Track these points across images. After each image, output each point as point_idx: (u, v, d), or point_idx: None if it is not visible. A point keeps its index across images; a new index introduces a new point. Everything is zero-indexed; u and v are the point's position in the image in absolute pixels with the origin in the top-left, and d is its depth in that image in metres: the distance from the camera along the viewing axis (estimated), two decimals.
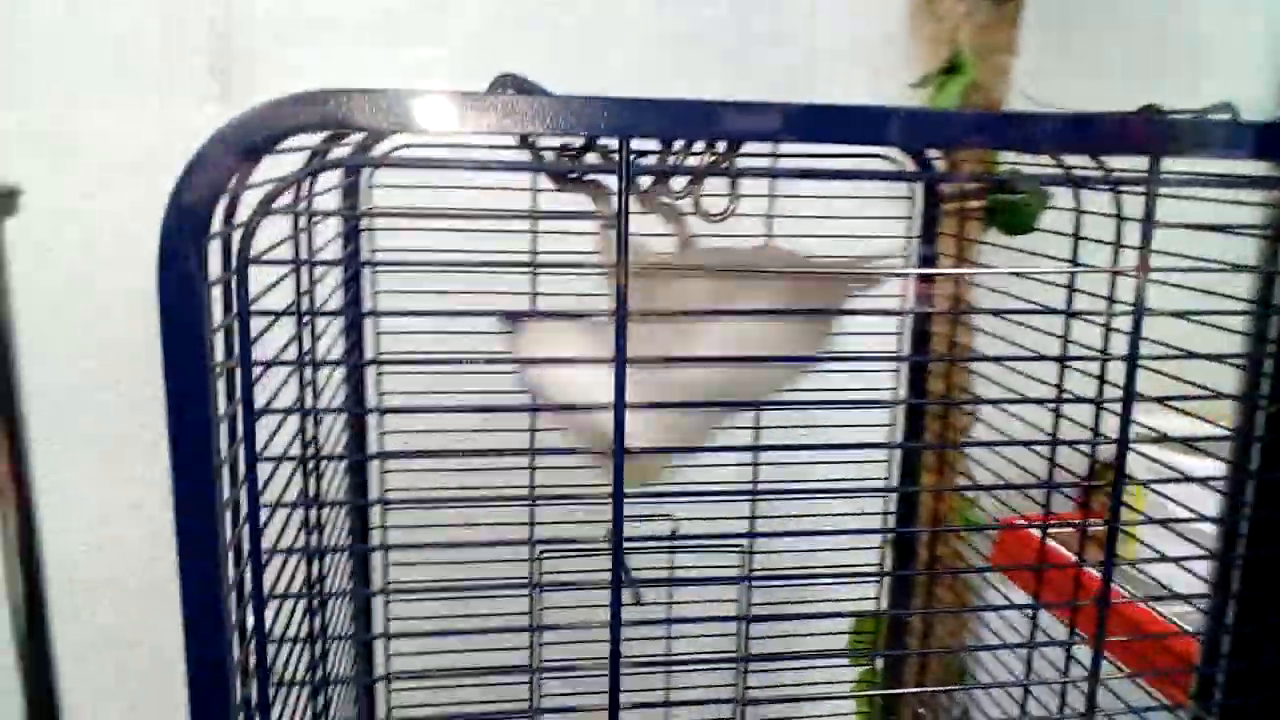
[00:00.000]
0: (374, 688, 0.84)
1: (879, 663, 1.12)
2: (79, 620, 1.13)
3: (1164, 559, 0.60)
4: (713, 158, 0.65)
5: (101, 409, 1.13)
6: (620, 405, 0.41)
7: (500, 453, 0.53)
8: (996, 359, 0.72)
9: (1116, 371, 0.54)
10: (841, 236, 0.88)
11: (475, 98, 0.38)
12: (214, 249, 0.41)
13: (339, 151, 0.63)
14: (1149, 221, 0.43)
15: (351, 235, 0.84)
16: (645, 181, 0.64)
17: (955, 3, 1.16)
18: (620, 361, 0.41)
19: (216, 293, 0.41)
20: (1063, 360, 0.64)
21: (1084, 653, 0.67)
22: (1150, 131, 0.41)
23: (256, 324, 0.50)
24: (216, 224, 0.40)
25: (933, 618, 1.13)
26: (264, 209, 0.39)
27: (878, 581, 1.03)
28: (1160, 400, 0.52)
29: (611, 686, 0.45)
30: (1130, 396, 0.46)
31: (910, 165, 0.92)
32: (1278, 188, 0.47)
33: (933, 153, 0.92)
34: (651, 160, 0.70)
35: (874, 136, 0.46)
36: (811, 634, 0.92)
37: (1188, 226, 0.47)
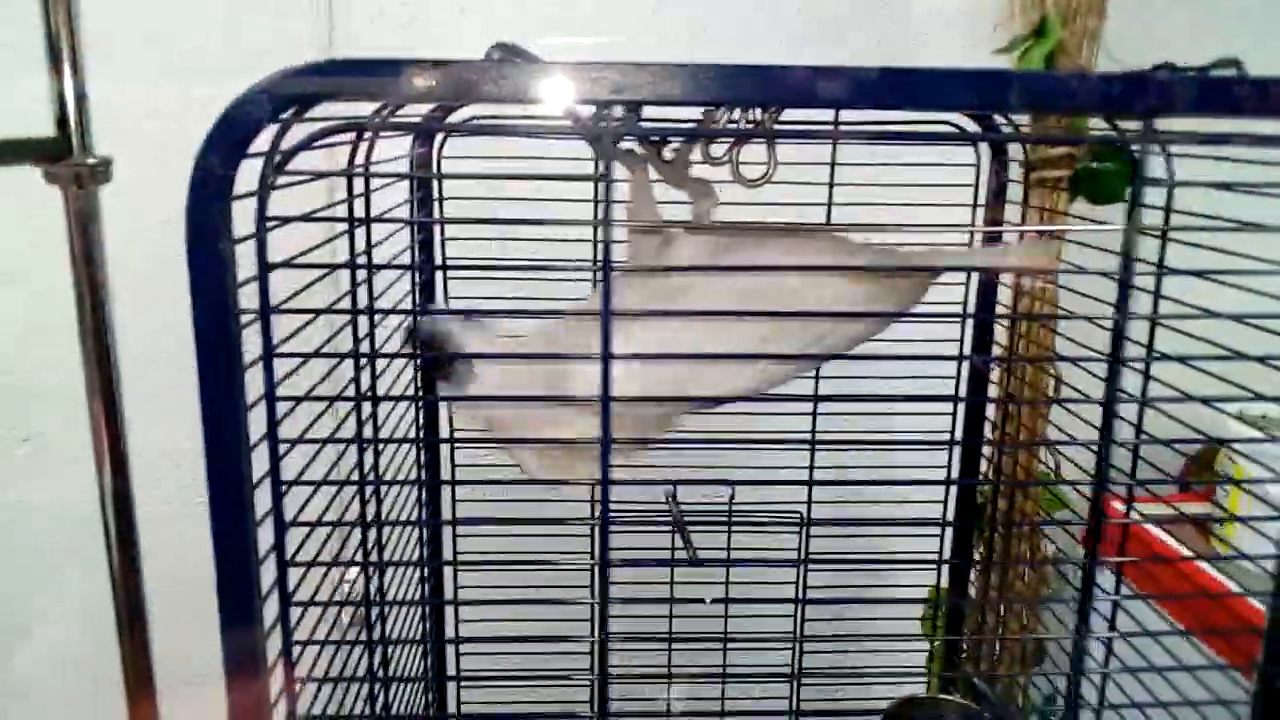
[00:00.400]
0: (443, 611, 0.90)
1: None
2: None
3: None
4: (750, 123, 0.66)
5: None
6: (606, 356, 0.44)
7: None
8: (1033, 317, 0.70)
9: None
10: (903, 204, 0.88)
11: (476, 65, 0.41)
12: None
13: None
14: (1141, 180, 0.43)
15: (425, 200, 0.89)
16: (669, 153, 0.65)
17: None
18: (605, 316, 0.43)
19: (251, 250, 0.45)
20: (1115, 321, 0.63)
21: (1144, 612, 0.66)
22: (1138, 91, 0.41)
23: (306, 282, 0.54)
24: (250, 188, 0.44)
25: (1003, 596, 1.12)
26: (278, 169, 0.42)
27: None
28: (1181, 360, 0.52)
29: (600, 659, 0.48)
30: (1131, 355, 0.46)
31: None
32: None
33: (1000, 120, 0.91)
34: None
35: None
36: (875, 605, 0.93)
37: (1190, 185, 0.46)
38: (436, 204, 0.90)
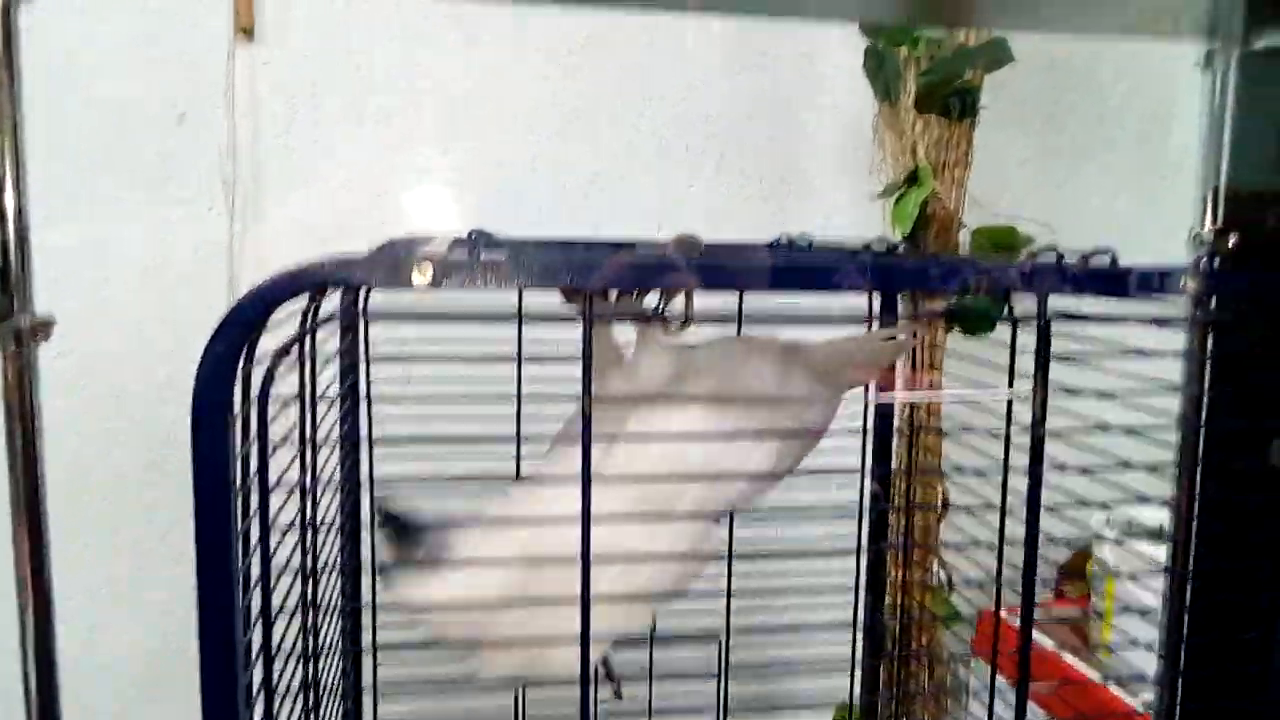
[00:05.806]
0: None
1: None
2: None
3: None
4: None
5: None
6: (586, 522, 0.47)
7: None
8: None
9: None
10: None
11: (450, 261, 0.45)
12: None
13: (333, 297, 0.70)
14: (1043, 351, 0.50)
15: (350, 370, 0.90)
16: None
17: (915, 117, 1.25)
18: (586, 478, 0.47)
19: None
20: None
21: None
22: (1036, 276, 0.49)
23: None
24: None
25: (909, 703, 1.18)
26: (280, 356, 0.45)
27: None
28: (1084, 471, 0.59)
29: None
30: (1036, 500, 0.53)
31: None
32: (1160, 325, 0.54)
33: None
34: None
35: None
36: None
37: (1067, 358, 0.54)
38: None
